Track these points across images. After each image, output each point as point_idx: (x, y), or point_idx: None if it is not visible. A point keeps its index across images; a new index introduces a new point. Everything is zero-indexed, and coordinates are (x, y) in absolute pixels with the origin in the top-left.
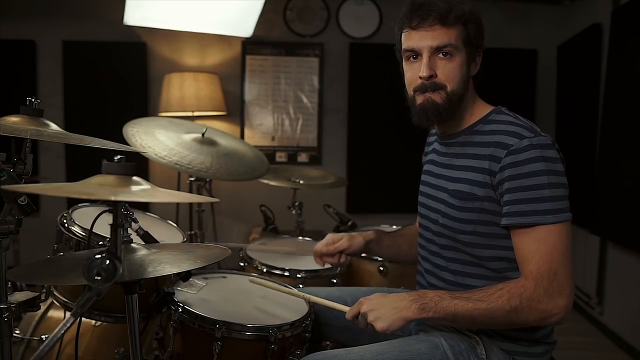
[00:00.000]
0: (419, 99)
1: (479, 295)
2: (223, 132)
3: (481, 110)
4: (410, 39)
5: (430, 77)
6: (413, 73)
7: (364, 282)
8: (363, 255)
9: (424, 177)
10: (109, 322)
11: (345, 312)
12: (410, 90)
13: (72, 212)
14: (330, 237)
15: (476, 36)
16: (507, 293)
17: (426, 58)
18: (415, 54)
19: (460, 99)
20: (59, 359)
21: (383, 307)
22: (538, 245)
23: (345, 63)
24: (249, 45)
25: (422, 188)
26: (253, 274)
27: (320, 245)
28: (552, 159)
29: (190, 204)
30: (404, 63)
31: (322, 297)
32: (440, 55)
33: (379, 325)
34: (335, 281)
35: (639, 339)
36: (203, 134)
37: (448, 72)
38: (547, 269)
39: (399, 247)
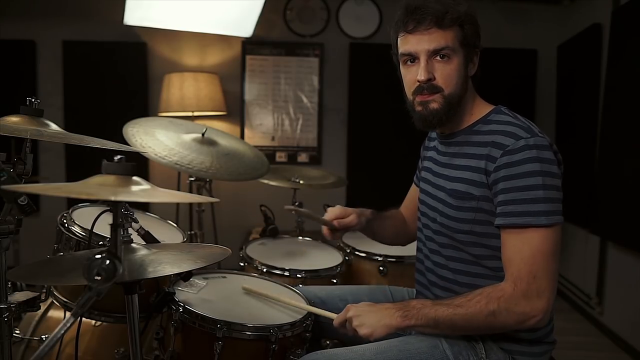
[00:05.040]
0: (418, 106)
1: (459, 301)
2: (223, 132)
3: (481, 110)
4: (407, 43)
5: (429, 80)
6: (411, 77)
7: (364, 281)
8: (363, 255)
9: (424, 175)
10: (109, 322)
11: (333, 320)
12: (409, 95)
13: (72, 212)
14: (341, 210)
15: (473, 37)
16: (485, 297)
17: (424, 62)
18: (413, 58)
19: (459, 101)
20: (59, 359)
21: (368, 314)
22: (522, 247)
23: (345, 63)
24: (249, 45)
25: (422, 186)
26: (253, 274)
27: (332, 216)
28: (548, 160)
29: (190, 204)
30: (401, 67)
31: (322, 297)
32: (438, 57)
33: (363, 331)
34: (335, 281)
35: (639, 339)
36: (203, 134)
37: (446, 74)
38: (527, 272)
39: (393, 227)
